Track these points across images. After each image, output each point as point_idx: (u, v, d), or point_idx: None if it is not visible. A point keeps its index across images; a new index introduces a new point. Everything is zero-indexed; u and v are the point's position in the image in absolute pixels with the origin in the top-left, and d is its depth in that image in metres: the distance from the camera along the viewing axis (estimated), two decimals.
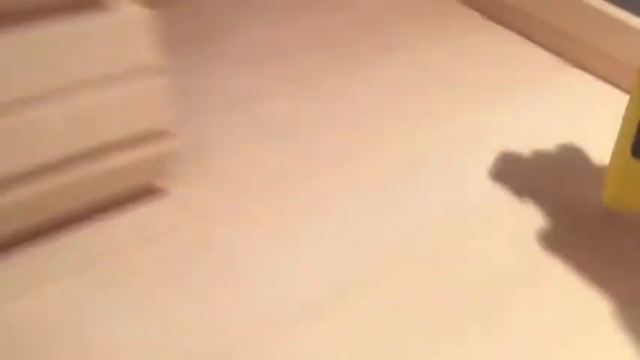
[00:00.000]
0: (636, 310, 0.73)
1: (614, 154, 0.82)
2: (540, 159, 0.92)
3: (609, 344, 0.70)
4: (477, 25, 1.22)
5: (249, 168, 0.87)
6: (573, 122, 0.99)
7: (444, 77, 1.07)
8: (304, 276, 0.74)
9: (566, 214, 0.84)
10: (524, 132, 0.96)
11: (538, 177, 0.89)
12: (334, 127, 0.95)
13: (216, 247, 0.77)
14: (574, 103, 1.03)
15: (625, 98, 1.04)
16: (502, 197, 0.85)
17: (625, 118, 0.80)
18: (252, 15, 1.18)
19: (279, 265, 0.75)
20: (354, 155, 0.91)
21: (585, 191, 0.88)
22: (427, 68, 1.09)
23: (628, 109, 0.79)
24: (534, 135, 0.96)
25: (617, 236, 0.82)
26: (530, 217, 0.83)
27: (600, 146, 0.94)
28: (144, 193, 0.82)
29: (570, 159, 0.92)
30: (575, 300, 0.74)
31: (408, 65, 1.09)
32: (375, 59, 1.10)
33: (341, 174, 0.88)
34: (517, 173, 0.90)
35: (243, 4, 1.21)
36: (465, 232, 0.81)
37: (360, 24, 1.19)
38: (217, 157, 0.88)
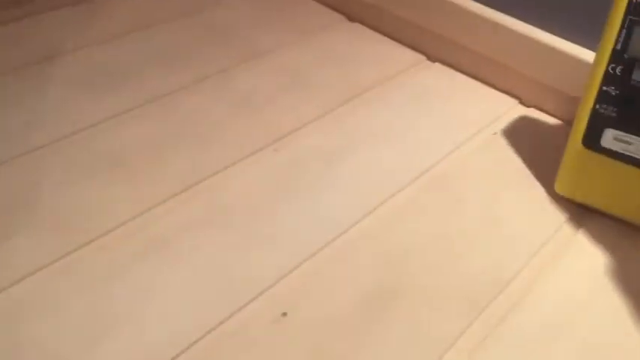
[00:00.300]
0: None
1: (570, 138, 0.75)
2: (415, 153, 0.87)
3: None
4: (340, 27, 1.17)
5: (83, 210, 0.77)
6: (441, 116, 0.96)
7: (307, 81, 1.01)
8: (152, 328, 0.65)
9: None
10: (394, 129, 0.92)
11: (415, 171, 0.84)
12: (188, 149, 0.86)
13: (50, 307, 0.67)
14: (441, 98, 1.00)
15: (491, 91, 1.02)
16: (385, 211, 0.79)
17: (581, 103, 0.72)
18: (91, 32, 1.08)
19: (119, 321, 0.65)
20: (210, 178, 0.82)
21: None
22: (288, 73, 1.02)
23: (584, 93, 0.72)
24: (405, 130, 0.92)
25: None
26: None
27: (469, 141, 0.91)
28: None
29: (444, 152, 0.88)
30: None
31: (269, 72, 1.02)
32: (233, 69, 1.02)
33: (191, 203, 0.79)
34: (390, 170, 0.84)
35: (80, 21, 1.10)
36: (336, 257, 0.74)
37: (214, 34, 1.11)
38: (45, 202, 0.78)
